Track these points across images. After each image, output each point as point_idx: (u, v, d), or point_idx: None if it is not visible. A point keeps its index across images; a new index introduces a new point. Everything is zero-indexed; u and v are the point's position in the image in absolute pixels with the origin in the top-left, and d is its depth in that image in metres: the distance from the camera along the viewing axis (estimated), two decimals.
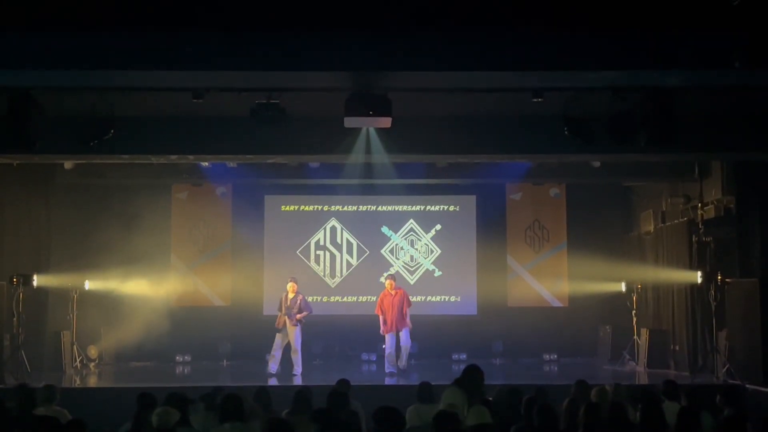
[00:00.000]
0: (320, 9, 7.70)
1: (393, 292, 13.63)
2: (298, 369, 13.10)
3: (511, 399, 7.38)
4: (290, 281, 13.45)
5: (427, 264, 16.59)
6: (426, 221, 16.70)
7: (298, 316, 13.12)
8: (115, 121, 9.38)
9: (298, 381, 12.38)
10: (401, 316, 13.51)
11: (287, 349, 13.28)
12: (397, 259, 16.56)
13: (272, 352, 13.23)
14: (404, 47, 7.83)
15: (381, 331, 13.63)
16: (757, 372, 11.54)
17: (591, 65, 8.00)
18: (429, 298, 16.15)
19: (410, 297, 14.01)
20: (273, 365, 13.16)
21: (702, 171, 13.60)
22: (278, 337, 13.25)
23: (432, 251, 16.63)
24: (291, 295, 13.29)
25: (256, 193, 16.42)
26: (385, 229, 16.60)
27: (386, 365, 13.57)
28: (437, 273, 16.54)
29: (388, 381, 12.93)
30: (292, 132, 10.45)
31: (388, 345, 13.56)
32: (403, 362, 13.51)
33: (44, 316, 13.99)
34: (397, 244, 16.60)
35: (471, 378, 7.36)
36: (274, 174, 14.65)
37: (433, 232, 16.65)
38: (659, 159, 12.55)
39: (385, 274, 14.76)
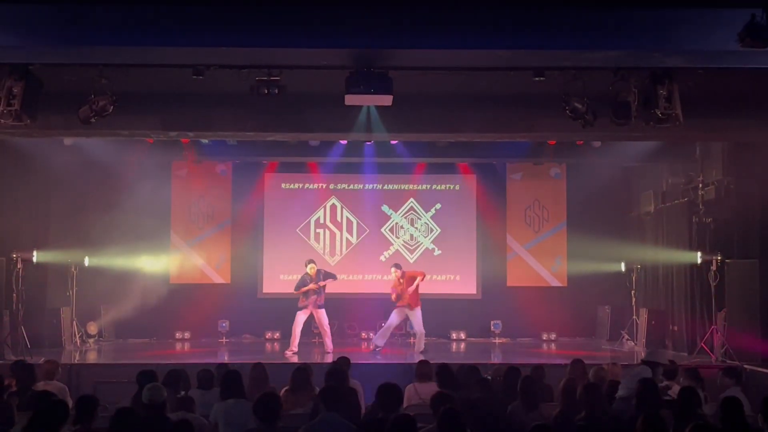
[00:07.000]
0: None
1: (402, 281, 13.63)
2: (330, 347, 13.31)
3: (508, 377, 7.42)
4: (311, 263, 13.46)
5: (427, 243, 16.60)
6: (426, 200, 16.68)
7: (322, 283, 13.29)
8: (115, 97, 9.35)
9: (329, 358, 12.33)
10: (414, 293, 13.56)
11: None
12: (397, 237, 16.56)
13: (294, 333, 13.23)
14: (406, 25, 7.77)
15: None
16: (755, 352, 11.58)
17: (593, 45, 7.95)
18: (429, 277, 16.09)
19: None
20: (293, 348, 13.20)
21: (703, 151, 13.58)
22: (303, 315, 13.34)
23: (432, 230, 16.63)
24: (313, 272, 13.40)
25: (256, 170, 16.40)
26: (385, 208, 16.59)
27: (377, 338, 13.61)
28: (437, 252, 16.55)
29: (380, 359, 12.93)
30: (292, 109, 10.43)
31: (391, 319, 13.60)
32: (421, 347, 13.45)
33: (44, 293, 13.99)
34: (397, 223, 16.59)
35: None
36: (275, 152, 14.61)
37: (433, 211, 16.64)
38: (660, 139, 12.52)
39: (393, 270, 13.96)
